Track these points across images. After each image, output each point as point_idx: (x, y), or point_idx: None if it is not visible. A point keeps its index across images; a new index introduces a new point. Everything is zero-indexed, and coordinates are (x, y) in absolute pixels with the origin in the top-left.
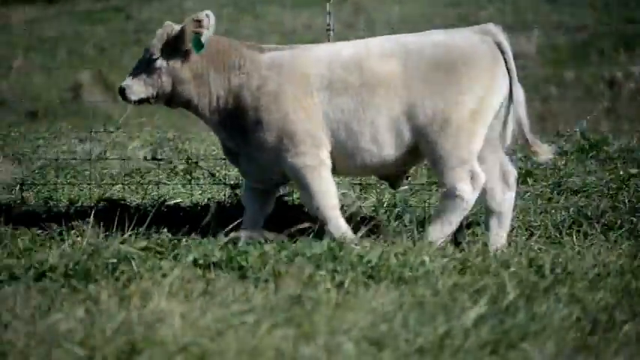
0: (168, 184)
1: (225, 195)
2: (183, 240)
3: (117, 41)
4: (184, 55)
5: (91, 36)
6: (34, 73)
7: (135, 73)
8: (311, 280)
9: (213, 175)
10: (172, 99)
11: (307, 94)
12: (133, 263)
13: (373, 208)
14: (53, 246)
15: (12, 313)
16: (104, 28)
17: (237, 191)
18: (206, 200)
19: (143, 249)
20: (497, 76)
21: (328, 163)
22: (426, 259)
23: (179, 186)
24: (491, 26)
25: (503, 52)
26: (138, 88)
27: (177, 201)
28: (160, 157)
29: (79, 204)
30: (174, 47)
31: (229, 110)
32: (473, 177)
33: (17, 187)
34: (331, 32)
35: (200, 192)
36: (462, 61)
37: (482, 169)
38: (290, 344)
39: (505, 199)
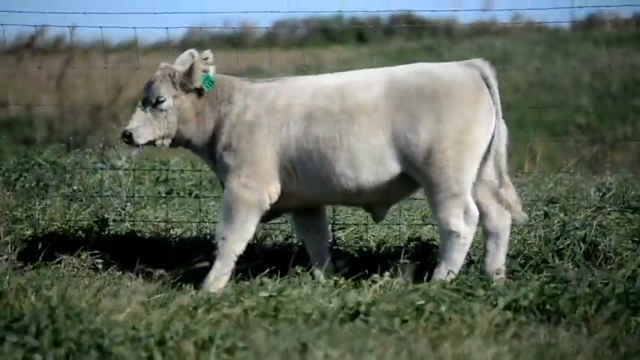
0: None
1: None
2: (494, 282)
3: None
4: (189, 95)
5: None
6: None
7: (139, 117)
8: (626, 325)
9: (546, 214)
10: (176, 139)
11: (283, 125)
12: (443, 305)
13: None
14: (364, 286)
15: (324, 351)
16: None
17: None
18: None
19: (453, 290)
20: (480, 109)
21: (265, 205)
22: None
23: None
24: (478, 61)
25: (489, 87)
26: (144, 131)
27: None
28: None
29: (388, 244)
30: (181, 87)
31: (211, 137)
32: (466, 211)
33: (329, 227)
34: None
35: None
36: (444, 91)
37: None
38: None
39: (501, 220)
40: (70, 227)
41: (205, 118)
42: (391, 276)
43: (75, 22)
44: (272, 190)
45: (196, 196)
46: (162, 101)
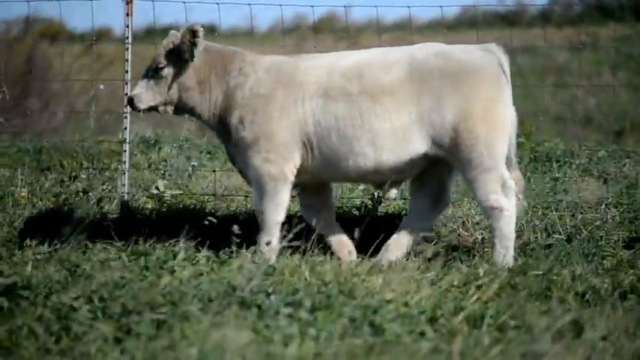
0: None
1: None
2: None
3: None
4: (188, 63)
5: None
6: (621, 91)
7: (143, 83)
8: None
9: None
10: (179, 106)
11: (298, 101)
12: None
13: None
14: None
15: (599, 332)
16: None
17: None
18: None
19: None
20: (503, 90)
21: (290, 177)
22: None
23: None
24: (493, 45)
25: (503, 72)
26: (146, 96)
27: None
28: None
29: None
30: (179, 56)
31: (222, 110)
32: (503, 184)
33: (602, 207)
34: None
35: None
36: (467, 71)
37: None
38: None
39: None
40: (344, 205)
41: (211, 88)
42: None
43: (350, 2)
44: (290, 165)
45: None
46: (162, 68)
